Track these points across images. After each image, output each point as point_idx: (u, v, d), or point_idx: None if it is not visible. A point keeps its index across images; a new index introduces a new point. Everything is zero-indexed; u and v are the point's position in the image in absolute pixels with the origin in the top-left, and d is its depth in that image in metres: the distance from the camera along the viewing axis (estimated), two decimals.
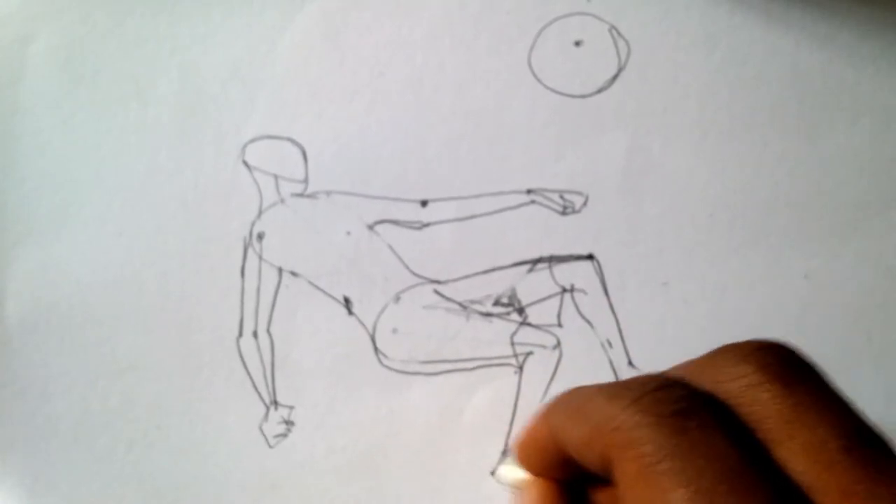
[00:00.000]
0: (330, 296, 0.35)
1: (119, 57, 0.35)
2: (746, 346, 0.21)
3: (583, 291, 0.35)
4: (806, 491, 0.18)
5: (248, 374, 0.35)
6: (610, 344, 0.35)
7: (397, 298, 0.35)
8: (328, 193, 0.35)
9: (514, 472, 0.26)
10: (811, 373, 0.20)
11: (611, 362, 0.35)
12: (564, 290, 0.35)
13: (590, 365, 0.35)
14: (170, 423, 0.35)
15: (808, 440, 0.19)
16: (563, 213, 0.35)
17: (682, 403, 0.19)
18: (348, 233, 0.35)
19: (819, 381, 0.20)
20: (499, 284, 0.35)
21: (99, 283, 0.35)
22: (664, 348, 0.34)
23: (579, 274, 0.35)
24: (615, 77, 0.35)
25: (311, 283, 0.35)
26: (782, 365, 0.20)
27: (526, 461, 0.25)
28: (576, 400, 0.22)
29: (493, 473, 0.35)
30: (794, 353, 0.21)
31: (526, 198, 0.35)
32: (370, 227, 0.35)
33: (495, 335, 0.35)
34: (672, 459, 0.18)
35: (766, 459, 0.19)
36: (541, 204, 0.35)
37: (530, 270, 0.35)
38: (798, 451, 0.19)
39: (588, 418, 0.20)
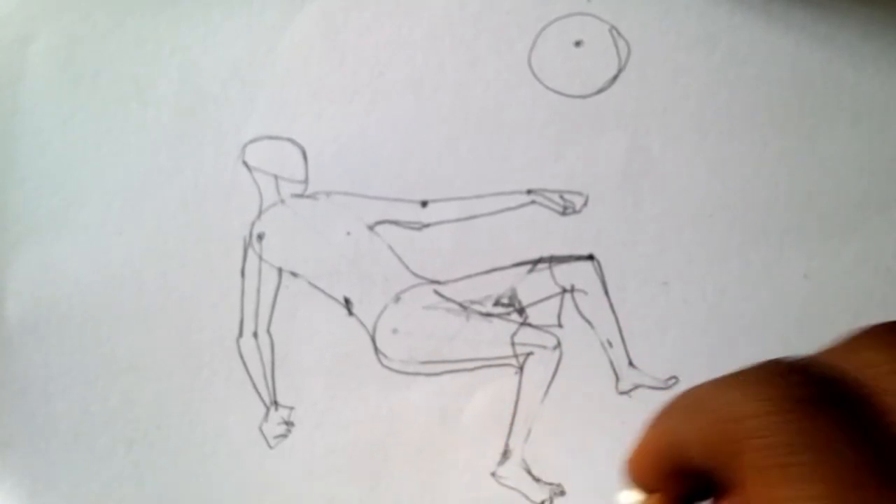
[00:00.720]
0: (330, 296, 0.35)
1: (119, 57, 0.35)
2: (888, 331, 0.19)
3: (583, 291, 0.35)
4: None
5: (248, 374, 0.35)
6: (610, 344, 0.35)
7: (397, 299, 0.35)
8: (328, 194, 0.35)
9: (632, 497, 0.24)
10: None
11: (611, 362, 0.35)
12: (564, 291, 0.35)
13: (590, 365, 0.35)
14: (170, 423, 0.35)
15: None
16: (563, 213, 0.35)
17: (811, 389, 0.18)
18: (348, 233, 0.35)
19: None
20: (499, 285, 0.35)
21: (99, 283, 0.35)
22: (664, 348, 0.34)
23: (579, 274, 0.35)
24: (615, 77, 0.35)
25: (311, 283, 0.35)
26: None
27: (640, 476, 0.23)
28: (692, 396, 0.21)
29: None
30: None
31: (526, 198, 0.35)
32: (370, 228, 0.35)
33: (495, 335, 0.35)
34: (806, 452, 0.17)
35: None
36: (541, 204, 0.35)
37: (530, 271, 0.35)
38: None
39: (709, 411, 0.19)
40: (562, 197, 0.35)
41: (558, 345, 0.35)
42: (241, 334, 0.35)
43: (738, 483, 0.18)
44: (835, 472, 0.17)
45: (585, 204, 0.35)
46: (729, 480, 0.19)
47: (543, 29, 0.35)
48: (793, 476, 0.17)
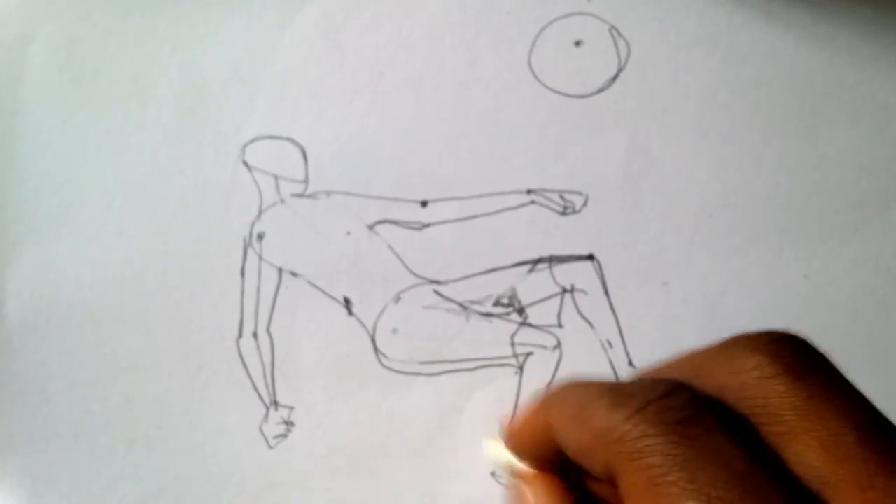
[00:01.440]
0: (330, 296, 0.35)
1: (119, 57, 0.35)
2: (759, 337, 0.20)
3: (583, 291, 0.35)
4: (819, 487, 0.18)
5: (248, 374, 0.35)
6: (610, 344, 0.35)
7: (397, 298, 0.35)
8: (328, 193, 0.35)
9: (502, 453, 0.25)
10: (825, 364, 0.20)
11: (611, 362, 0.35)
12: (564, 291, 0.35)
13: (590, 365, 0.35)
14: (170, 423, 0.35)
15: (823, 433, 0.18)
16: (563, 213, 0.35)
17: (688, 410, 0.18)
18: (348, 233, 0.35)
19: (833, 373, 0.20)
20: (499, 285, 0.35)
21: (99, 283, 0.35)
22: (664, 348, 0.34)
23: (579, 274, 0.35)
24: (615, 77, 0.35)
25: (311, 283, 0.35)
26: (795, 356, 0.19)
27: (520, 451, 0.24)
28: (575, 401, 0.21)
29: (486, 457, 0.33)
30: (807, 344, 0.20)
31: (526, 198, 0.35)
32: (370, 228, 0.35)
33: (495, 335, 0.35)
34: (681, 470, 0.17)
35: (776, 460, 0.19)
36: (541, 204, 0.35)
37: (530, 271, 0.35)
38: (813, 445, 0.18)
39: (590, 426, 0.20)
40: (562, 197, 0.35)
41: (558, 345, 0.35)
42: (240, 334, 0.35)
43: (620, 495, 0.19)
44: (711, 486, 0.17)
45: (585, 204, 0.35)
46: (611, 483, 0.19)
47: (543, 29, 0.35)
48: (672, 494, 0.17)
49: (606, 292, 0.35)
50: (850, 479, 0.18)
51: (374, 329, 0.35)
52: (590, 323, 0.35)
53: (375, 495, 0.35)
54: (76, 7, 0.35)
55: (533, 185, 0.35)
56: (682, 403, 0.19)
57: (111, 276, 0.35)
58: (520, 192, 0.35)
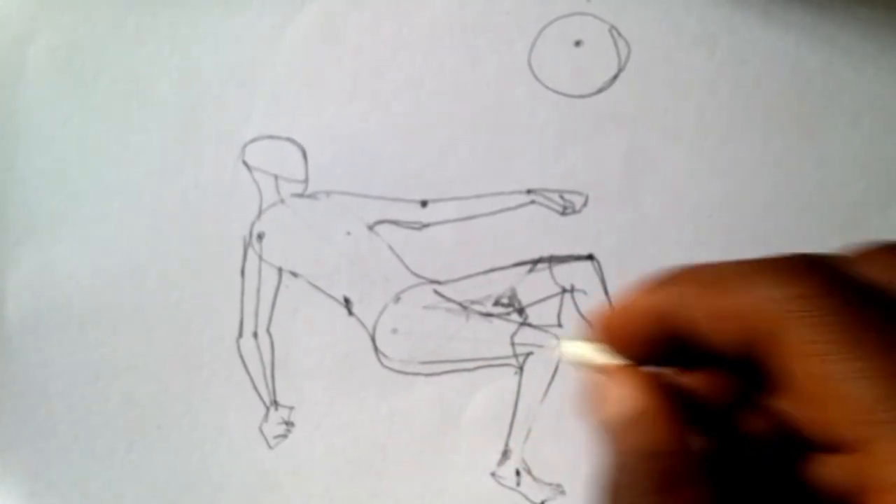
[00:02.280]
0: (330, 296, 0.35)
1: (119, 57, 0.35)
2: None
3: (583, 291, 0.35)
4: None
5: (248, 374, 0.35)
6: None
7: (397, 298, 0.35)
8: (328, 193, 0.35)
9: (587, 350, 0.23)
10: None
11: None
12: (564, 291, 0.35)
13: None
14: (170, 423, 0.35)
15: None
16: (563, 213, 0.35)
17: (848, 281, 0.18)
18: (348, 233, 0.35)
19: None
20: (499, 285, 0.35)
21: (99, 283, 0.35)
22: None
23: (579, 274, 0.35)
24: (615, 77, 0.35)
25: (311, 283, 0.35)
26: None
27: (614, 336, 0.22)
28: (706, 272, 0.21)
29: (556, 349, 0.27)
30: None
31: (526, 198, 0.35)
32: (370, 228, 0.35)
33: (495, 335, 0.35)
34: (871, 330, 0.17)
35: None
36: (541, 204, 0.35)
37: (530, 271, 0.35)
38: None
39: (736, 289, 0.19)
40: (562, 197, 0.35)
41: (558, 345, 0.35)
42: (241, 334, 0.35)
43: (772, 364, 0.18)
44: (892, 350, 0.17)
45: (585, 204, 0.35)
46: (758, 360, 0.19)
47: (543, 29, 0.35)
48: (849, 353, 0.17)
49: (606, 292, 0.35)
50: None
51: (374, 329, 0.35)
52: (590, 323, 0.35)
53: (375, 495, 0.35)
54: (76, 7, 0.35)
55: (533, 185, 0.35)
56: (842, 275, 0.18)
57: (111, 276, 0.35)
58: (520, 192, 0.35)
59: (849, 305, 0.18)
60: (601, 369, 0.22)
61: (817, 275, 0.18)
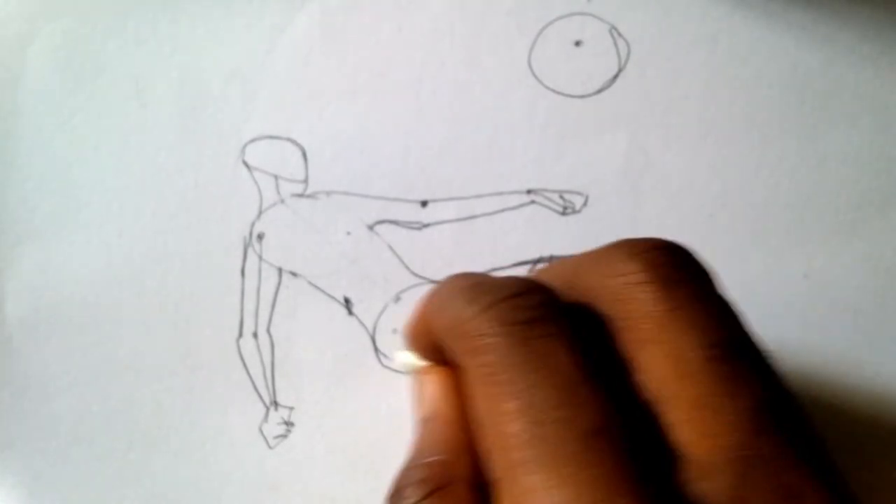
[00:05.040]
0: (330, 296, 0.35)
1: (119, 57, 0.35)
2: (639, 244, 0.19)
3: None
4: (656, 400, 0.17)
5: (248, 374, 0.35)
6: None
7: (397, 298, 0.35)
8: (328, 193, 0.35)
9: (408, 357, 0.25)
10: (698, 277, 0.19)
11: None
12: None
13: None
14: (170, 424, 0.35)
15: (673, 346, 0.17)
16: (563, 213, 0.35)
17: (535, 311, 0.18)
18: (348, 233, 0.35)
19: (704, 287, 0.19)
20: None
21: (99, 283, 0.35)
22: None
23: None
24: (615, 77, 0.35)
25: (311, 283, 0.35)
26: (669, 266, 0.19)
27: (412, 343, 0.24)
28: (446, 291, 0.21)
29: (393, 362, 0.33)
30: (688, 255, 0.19)
31: (526, 198, 0.35)
32: (370, 228, 0.35)
33: None
34: (509, 371, 0.17)
35: (617, 373, 0.18)
36: (541, 204, 0.35)
37: (530, 271, 0.35)
38: (660, 358, 0.18)
39: (447, 315, 0.20)
40: (562, 197, 0.35)
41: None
42: (240, 334, 0.35)
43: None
44: (531, 390, 0.17)
45: (585, 204, 0.35)
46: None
47: (543, 29, 0.35)
48: (496, 394, 0.17)
49: None
50: (686, 396, 0.17)
51: (374, 329, 0.35)
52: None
53: (375, 495, 0.35)
54: (76, 7, 0.35)
55: (533, 185, 0.35)
56: (532, 304, 0.18)
57: (111, 276, 0.35)
58: (520, 192, 0.35)
59: (512, 344, 0.18)
60: (416, 371, 0.25)
61: (499, 306, 0.18)
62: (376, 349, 0.35)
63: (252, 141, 0.35)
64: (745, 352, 0.18)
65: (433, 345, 0.23)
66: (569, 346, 0.17)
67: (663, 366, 0.17)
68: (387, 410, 0.35)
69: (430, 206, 0.35)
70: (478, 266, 0.35)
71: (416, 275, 0.35)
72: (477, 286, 0.20)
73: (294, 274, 0.35)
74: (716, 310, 0.19)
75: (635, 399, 0.18)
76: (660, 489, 0.16)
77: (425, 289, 0.35)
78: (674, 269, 0.19)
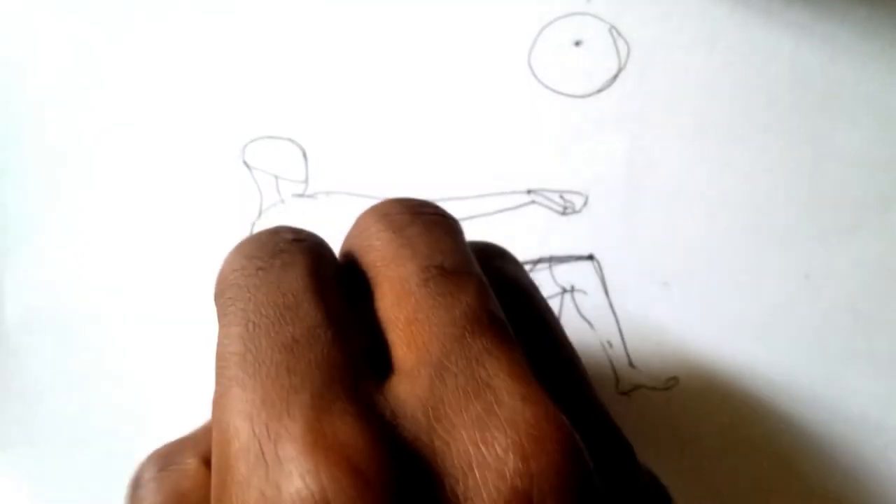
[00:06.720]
0: None
1: (119, 57, 0.35)
2: (382, 204, 0.22)
3: (583, 291, 0.35)
4: (385, 328, 0.19)
5: None
6: (610, 344, 0.35)
7: None
8: (328, 193, 0.35)
9: None
10: (426, 215, 0.21)
11: (611, 362, 0.35)
12: (564, 291, 0.35)
13: (590, 365, 0.35)
14: (170, 424, 0.35)
15: (396, 276, 0.19)
16: (563, 213, 0.35)
17: (279, 246, 0.20)
18: None
19: (431, 223, 0.21)
20: None
21: (98, 284, 0.35)
22: (664, 348, 0.34)
23: (579, 274, 0.35)
24: (615, 77, 0.35)
25: None
26: (402, 213, 0.21)
27: None
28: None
29: None
30: (423, 204, 0.21)
31: (526, 198, 0.35)
32: None
33: None
34: (242, 299, 0.18)
35: (349, 299, 0.19)
36: (541, 204, 0.35)
37: (530, 271, 0.35)
38: (387, 289, 0.19)
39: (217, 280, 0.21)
40: (562, 197, 0.35)
41: None
42: None
43: None
44: (256, 311, 0.18)
45: (585, 204, 0.35)
46: None
47: (543, 29, 0.35)
48: (228, 320, 0.18)
49: (606, 292, 0.35)
50: (402, 316, 0.18)
51: None
52: (590, 323, 0.35)
53: None
54: (76, 7, 0.35)
55: (533, 185, 0.35)
56: (277, 240, 0.20)
57: (111, 277, 0.35)
58: (520, 192, 0.35)
59: (254, 274, 0.19)
60: None
61: (252, 242, 0.20)
62: None
63: (252, 141, 0.35)
64: (457, 273, 0.19)
65: None
66: (302, 271, 0.19)
67: (389, 295, 0.19)
68: None
69: None
70: None
71: None
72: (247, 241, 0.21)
73: None
74: (438, 242, 0.20)
75: (370, 330, 0.19)
76: (360, 396, 0.16)
77: None
78: (405, 214, 0.21)
